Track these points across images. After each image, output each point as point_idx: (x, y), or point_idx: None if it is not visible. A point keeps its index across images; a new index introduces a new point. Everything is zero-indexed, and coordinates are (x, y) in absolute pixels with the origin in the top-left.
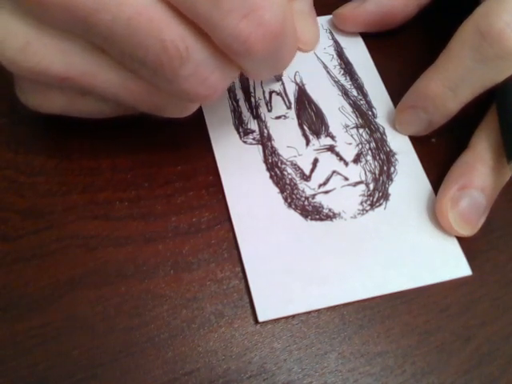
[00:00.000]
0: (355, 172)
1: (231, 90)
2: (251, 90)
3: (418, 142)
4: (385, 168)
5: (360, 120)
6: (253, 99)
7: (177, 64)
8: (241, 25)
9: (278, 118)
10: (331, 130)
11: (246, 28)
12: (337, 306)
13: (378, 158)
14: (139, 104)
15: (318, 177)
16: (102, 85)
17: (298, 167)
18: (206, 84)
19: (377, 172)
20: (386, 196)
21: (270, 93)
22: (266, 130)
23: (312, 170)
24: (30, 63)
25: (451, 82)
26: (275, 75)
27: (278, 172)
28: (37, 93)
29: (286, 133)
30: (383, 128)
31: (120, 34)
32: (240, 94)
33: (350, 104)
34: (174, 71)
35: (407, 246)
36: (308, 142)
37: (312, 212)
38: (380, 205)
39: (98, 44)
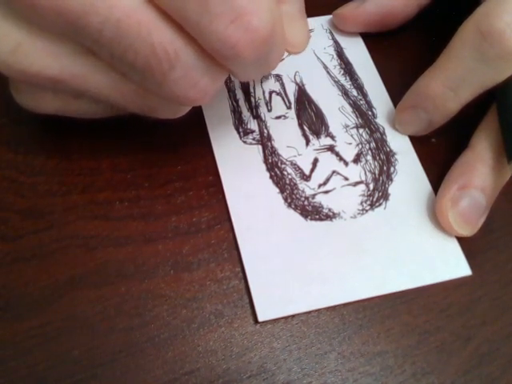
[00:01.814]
0: (355, 172)
1: (231, 90)
2: (251, 90)
3: (417, 141)
4: (385, 168)
5: (360, 120)
6: (253, 99)
7: (166, 67)
8: (228, 30)
9: (278, 117)
10: (331, 129)
11: (233, 33)
12: (337, 305)
13: (377, 158)
14: (131, 106)
15: (318, 177)
16: (94, 87)
17: (298, 167)
18: (197, 88)
19: (377, 172)
20: (385, 196)
21: (270, 93)
22: (265, 130)
23: (312, 170)
24: (21, 66)
25: (451, 82)
26: None
27: (278, 172)
28: (31, 94)
29: (285, 133)
30: (383, 128)
31: (109, 37)
32: (240, 94)
33: (349, 104)
34: (163, 74)
35: (407, 246)
36: (308, 141)
37: (312, 212)
38: (380, 205)
39: (89, 47)
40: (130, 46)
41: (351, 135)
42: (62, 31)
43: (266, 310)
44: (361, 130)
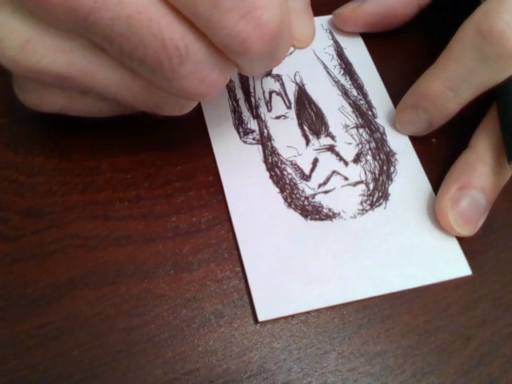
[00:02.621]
0: (355, 172)
1: (231, 90)
2: (251, 90)
3: (417, 141)
4: (385, 168)
5: (360, 120)
6: (253, 99)
7: (176, 63)
8: (239, 25)
9: (278, 117)
10: (331, 129)
11: (244, 28)
12: (336, 305)
13: (377, 157)
14: (138, 103)
15: (318, 177)
16: (102, 84)
17: (298, 167)
18: (206, 82)
19: (377, 172)
20: (385, 196)
21: (270, 93)
22: (265, 130)
23: (312, 170)
24: (30, 62)
25: (452, 82)
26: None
27: (278, 172)
28: (36, 92)
29: (285, 133)
30: (383, 128)
31: (120, 33)
32: (240, 94)
33: (349, 104)
34: (173, 70)
35: (407, 245)
36: (308, 141)
37: (312, 212)
38: (380, 205)
39: (98, 43)
40: (141, 42)
41: (351, 135)
42: (71, 27)
43: (266, 310)
44: (361, 130)
